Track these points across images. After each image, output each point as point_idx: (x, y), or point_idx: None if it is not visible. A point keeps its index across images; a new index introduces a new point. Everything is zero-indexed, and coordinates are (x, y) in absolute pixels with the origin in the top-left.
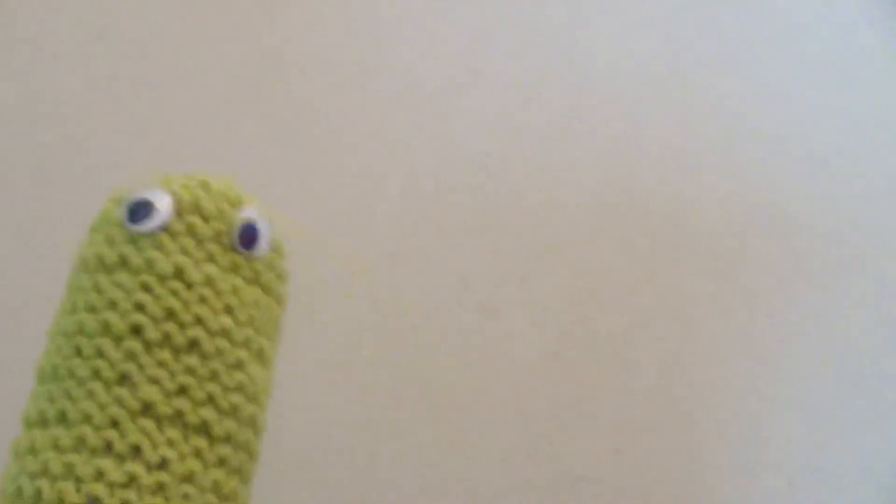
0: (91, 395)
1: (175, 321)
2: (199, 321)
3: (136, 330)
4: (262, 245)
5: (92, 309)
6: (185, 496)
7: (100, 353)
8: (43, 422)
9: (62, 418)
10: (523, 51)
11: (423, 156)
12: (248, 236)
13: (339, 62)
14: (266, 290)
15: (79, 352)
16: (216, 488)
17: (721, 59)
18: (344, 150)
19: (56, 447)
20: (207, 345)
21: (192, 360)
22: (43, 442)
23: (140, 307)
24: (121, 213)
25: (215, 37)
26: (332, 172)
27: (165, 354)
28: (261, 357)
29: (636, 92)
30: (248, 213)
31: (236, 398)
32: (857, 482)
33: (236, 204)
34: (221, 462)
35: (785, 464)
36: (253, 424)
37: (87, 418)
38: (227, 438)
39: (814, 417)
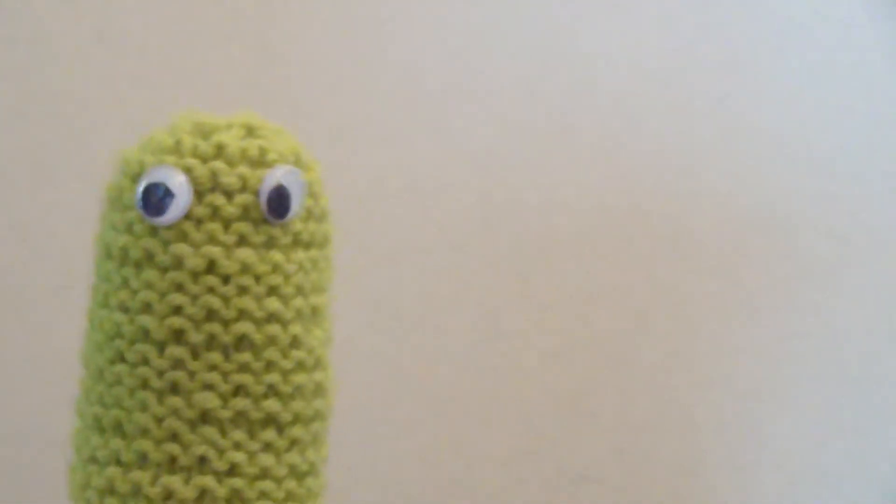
0: (144, 406)
1: (218, 320)
2: (243, 314)
3: (179, 335)
4: (297, 204)
5: (126, 309)
6: (263, 493)
7: (144, 361)
8: (100, 428)
9: (119, 429)
10: (523, 51)
11: (423, 156)
12: (280, 204)
13: (339, 62)
14: (308, 245)
15: (122, 357)
16: (293, 472)
17: (721, 59)
18: (344, 150)
19: (119, 462)
20: (257, 336)
21: (245, 356)
22: (105, 454)
23: (177, 310)
24: (134, 198)
25: (215, 37)
26: (332, 172)
27: (214, 356)
28: (316, 317)
29: (636, 92)
30: (275, 174)
31: (299, 377)
32: (857, 482)
33: (260, 164)
34: (294, 444)
35: (785, 464)
36: (320, 391)
37: (144, 432)
38: (296, 419)
39: (814, 417)
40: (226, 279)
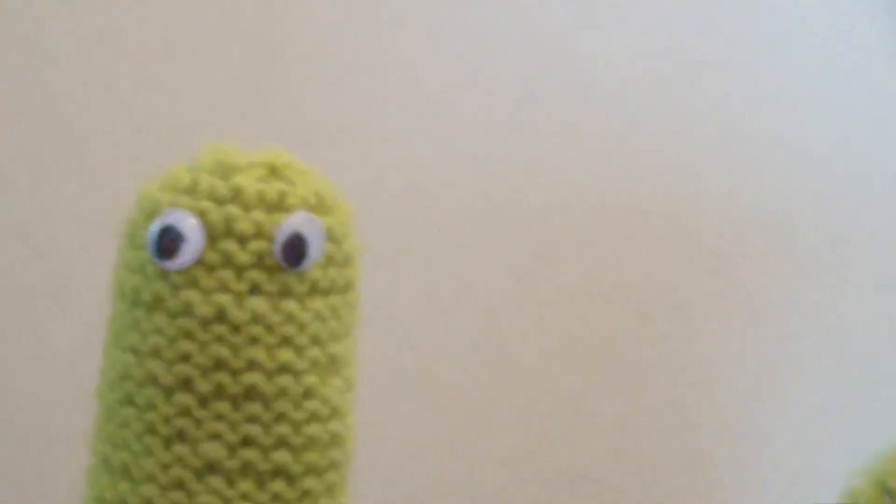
0: (150, 452)
1: (226, 370)
2: (252, 365)
3: (186, 383)
4: (314, 253)
5: (135, 351)
6: None
7: (151, 406)
8: (109, 469)
9: (126, 472)
10: (523, 51)
11: (423, 156)
12: (296, 252)
13: (339, 62)
14: (327, 292)
15: (130, 400)
16: None
17: (721, 59)
18: (344, 150)
19: None
20: (267, 388)
21: (254, 407)
22: (112, 496)
23: (185, 358)
24: (147, 240)
25: (215, 37)
26: (332, 172)
27: (222, 406)
28: (334, 365)
29: (636, 92)
30: (292, 222)
31: (312, 429)
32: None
33: (277, 209)
34: (305, 495)
35: (785, 464)
36: (336, 441)
37: (150, 478)
38: (309, 470)
39: (814, 417)
40: (235, 329)
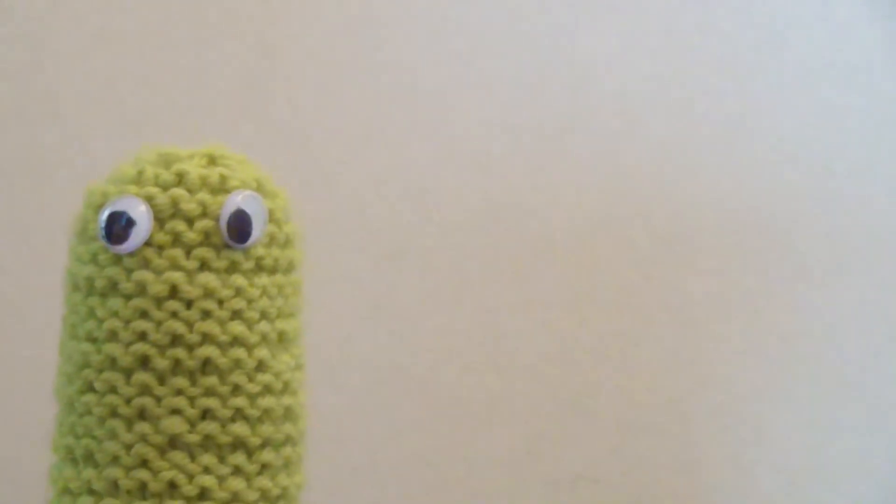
0: (113, 434)
1: (182, 345)
2: (207, 338)
3: (144, 361)
4: (257, 230)
5: (93, 339)
6: None
7: (112, 389)
8: (72, 459)
9: (90, 458)
10: (523, 51)
11: (423, 156)
12: (241, 229)
13: (338, 62)
14: (272, 270)
15: (90, 387)
16: (265, 496)
17: (721, 59)
18: (343, 150)
19: (91, 491)
20: (222, 360)
21: (210, 380)
22: (77, 485)
23: (142, 336)
24: (97, 228)
25: (215, 37)
26: (332, 172)
27: (180, 381)
28: (283, 341)
29: (636, 92)
30: (235, 200)
31: (266, 401)
32: (857, 482)
33: (220, 190)
34: (264, 468)
35: (785, 464)
36: (290, 416)
37: (115, 459)
38: (266, 443)
39: (814, 417)
40: (189, 304)
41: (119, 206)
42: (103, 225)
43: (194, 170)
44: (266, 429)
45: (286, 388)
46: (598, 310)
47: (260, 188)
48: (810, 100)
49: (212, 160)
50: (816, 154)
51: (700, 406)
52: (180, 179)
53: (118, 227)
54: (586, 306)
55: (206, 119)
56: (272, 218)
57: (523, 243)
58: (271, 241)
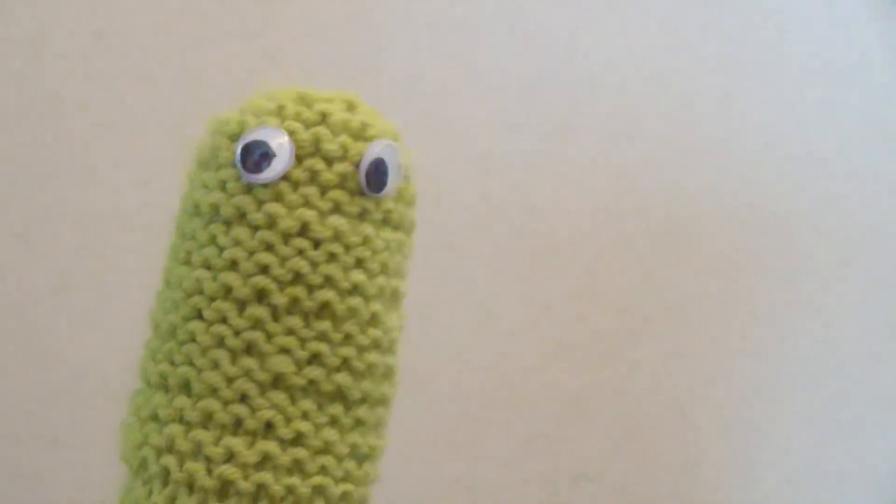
0: (216, 365)
1: (303, 284)
2: (329, 282)
3: (262, 295)
4: (393, 181)
5: (209, 266)
6: (323, 469)
7: (223, 319)
8: (164, 387)
9: (185, 387)
10: (523, 51)
11: (422, 155)
12: (378, 178)
13: (338, 62)
14: (396, 226)
15: (199, 314)
16: (354, 452)
17: (721, 59)
18: None
19: (182, 420)
20: (339, 307)
21: (324, 324)
22: (167, 412)
23: (264, 270)
24: (233, 155)
25: (215, 37)
26: None
27: (295, 321)
28: (395, 300)
29: (636, 92)
30: (376, 148)
31: (372, 356)
32: (857, 482)
33: (361, 137)
34: (358, 424)
35: (785, 464)
36: (389, 376)
37: (213, 391)
38: (364, 399)
39: (814, 417)
40: (316, 244)
41: (259, 136)
42: (240, 153)
43: (337, 113)
44: (367, 384)
45: (391, 347)
46: (598, 310)
47: (398, 141)
48: (810, 100)
49: (351, 106)
50: (816, 154)
51: (700, 406)
52: (323, 119)
53: (255, 156)
54: (586, 306)
55: (206, 119)
56: (404, 173)
57: (523, 243)
58: (400, 196)
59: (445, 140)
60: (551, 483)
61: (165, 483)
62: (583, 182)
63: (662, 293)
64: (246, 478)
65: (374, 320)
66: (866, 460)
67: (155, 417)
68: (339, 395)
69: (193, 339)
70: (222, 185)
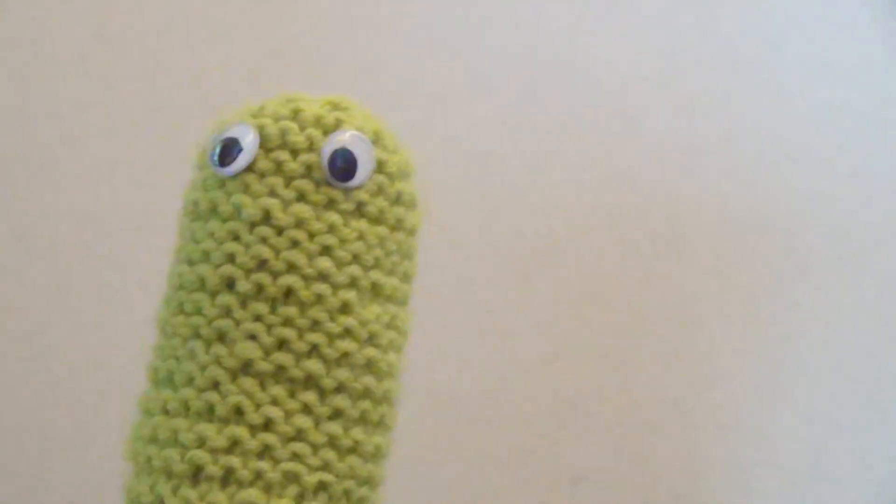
0: (192, 355)
1: (266, 270)
2: (291, 268)
3: (229, 283)
4: (363, 172)
5: (190, 261)
6: (295, 455)
7: (198, 310)
8: (156, 381)
9: (170, 379)
10: (523, 51)
11: (422, 155)
12: (344, 167)
13: (338, 62)
14: (374, 220)
15: (181, 308)
16: (333, 443)
17: (721, 58)
18: None
19: (165, 411)
20: (304, 292)
21: (290, 310)
22: (154, 404)
23: (230, 258)
24: (210, 154)
25: (215, 36)
26: None
27: (260, 307)
28: (377, 293)
29: (636, 92)
30: (338, 137)
31: (346, 344)
32: (857, 482)
33: (330, 129)
34: (337, 414)
35: (785, 464)
36: (372, 368)
37: (189, 380)
38: (341, 389)
39: (814, 417)
40: (279, 231)
41: (232, 133)
42: (216, 150)
43: (311, 109)
44: (342, 373)
45: (371, 340)
46: (598, 310)
47: (377, 139)
48: (810, 100)
49: (336, 106)
50: (816, 154)
51: (700, 406)
52: (295, 115)
53: (228, 152)
54: (586, 306)
55: (206, 119)
56: (383, 169)
57: (523, 243)
58: (379, 190)
59: (445, 140)
60: (551, 483)
61: (150, 472)
62: (583, 182)
63: (662, 293)
64: (215, 462)
65: (345, 309)
66: (866, 460)
67: (147, 411)
68: (312, 383)
69: (176, 333)
70: (203, 184)
